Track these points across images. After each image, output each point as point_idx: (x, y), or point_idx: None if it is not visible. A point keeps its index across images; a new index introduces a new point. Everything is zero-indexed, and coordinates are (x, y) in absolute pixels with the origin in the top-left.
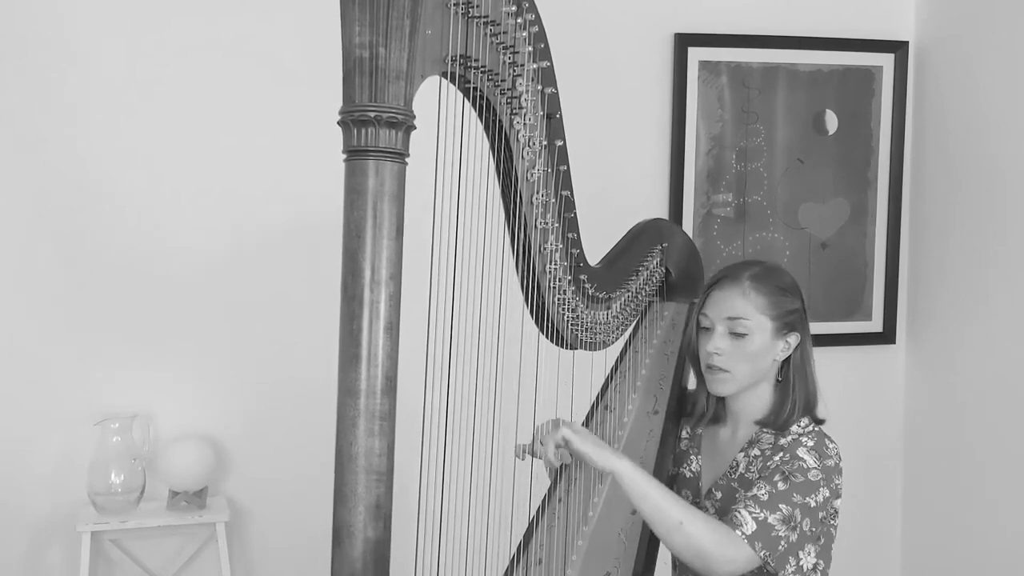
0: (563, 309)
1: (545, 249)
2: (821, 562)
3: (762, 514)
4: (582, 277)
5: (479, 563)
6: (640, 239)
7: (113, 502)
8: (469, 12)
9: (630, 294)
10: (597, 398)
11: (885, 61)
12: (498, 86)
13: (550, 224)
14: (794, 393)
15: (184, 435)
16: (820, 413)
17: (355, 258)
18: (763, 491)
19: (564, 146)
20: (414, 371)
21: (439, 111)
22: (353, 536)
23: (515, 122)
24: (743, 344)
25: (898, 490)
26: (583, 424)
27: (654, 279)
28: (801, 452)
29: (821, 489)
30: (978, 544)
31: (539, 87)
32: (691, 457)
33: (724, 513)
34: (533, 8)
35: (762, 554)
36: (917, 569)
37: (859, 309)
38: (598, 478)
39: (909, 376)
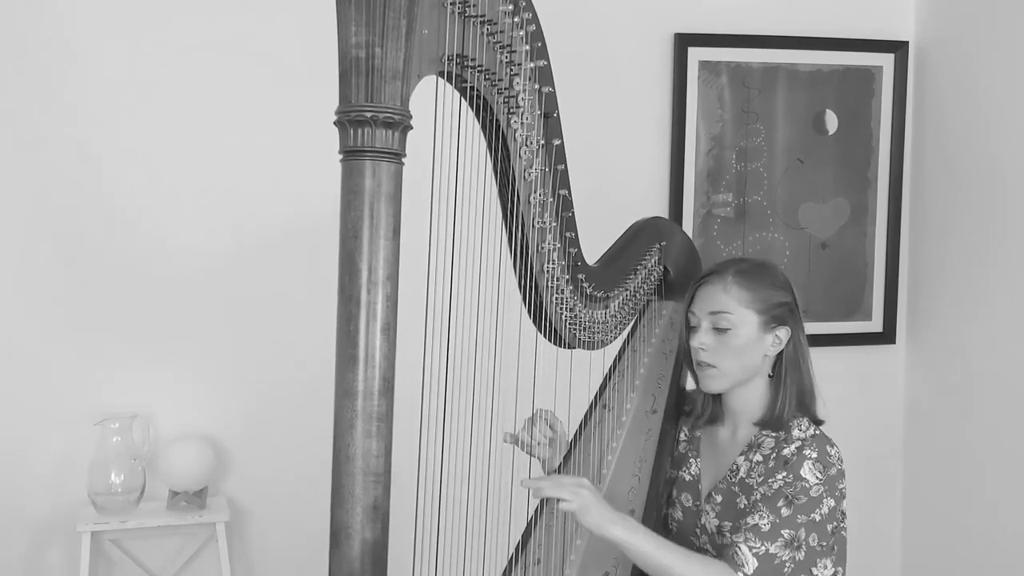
0: (561, 308)
1: (543, 248)
2: (839, 569)
3: (763, 547)
4: (580, 276)
5: (477, 563)
6: (639, 238)
7: (113, 502)
8: (466, 11)
9: (628, 293)
10: (595, 397)
11: (885, 61)
12: (495, 85)
13: (548, 223)
14: (786, 387)
15: (184, 435)
16: (819, 412)
17: (352, 259)
18: (765, 520)
19: (562, 145)
20: (412, 372)
21: (436, 111)
22: (351, 537)
23: (512, 121)
24: (727, 338)
25: (898, 490)
26: (579, 426)
27: (652, 278)
28: (804, 471)
29: (826, 500)
30: (978, 544)
31: (536, 86)
32: (690, 460)
33: (726, 518)
34: (530, 7)
35: None
36: (917, 569)
37: (859, 309)
38: (595, 478)
39: (909, 376)
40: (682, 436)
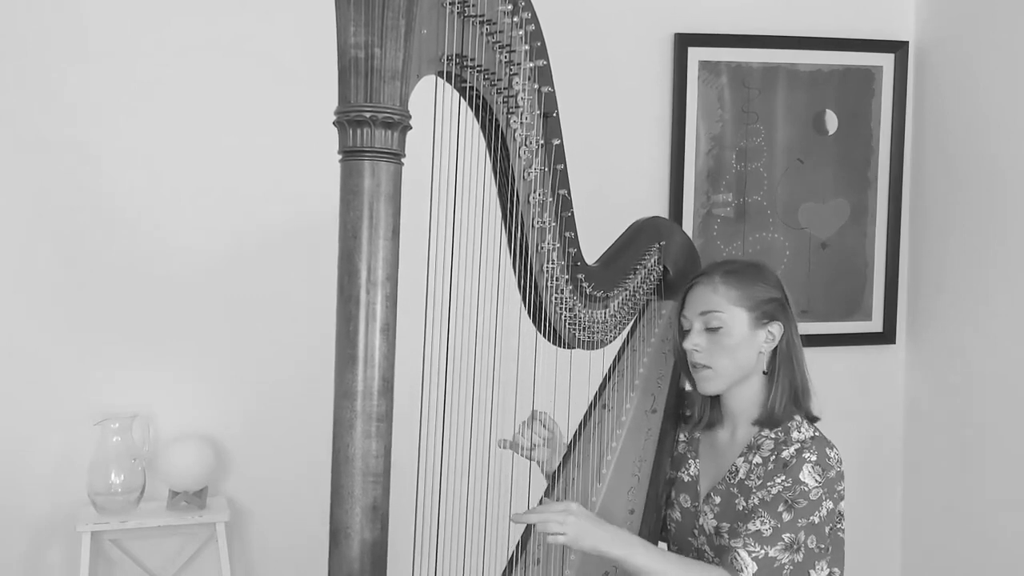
0: (561, 308)
1: (542, 248)
2: (836, 570)
3: (762, 551)
4: (580, 276)
5: (477, 563)
6: (638, 237)
7: (113, 502)
8: (465, 11)
9: (628, 293)
10: (595, 397)
11: (885, 61)
12: (494, 85)
13: (547, 223)
14: (779, 383)
15: (184, 435)
16: (813, 409)
17: (351, 259)
18: (766, 525)
19: (561, 144)
20: (411, 372)
21: (435, 111)
22: (350, 537)
23: (512, 121)
24: (719, 338)
25: (898, 490)
26: (579, 426)
27: (652, 277)
28: (804, 475)
29: (824, 503)
30: (978, 544)
31: (535, 86)
32: (689, 461)
33: (724, 519)
34: (529, 7)
35: None
36: (917, 569)
37: (859, 309)
38: (595, 478)
39: (909, 376)
40: (681, 437)
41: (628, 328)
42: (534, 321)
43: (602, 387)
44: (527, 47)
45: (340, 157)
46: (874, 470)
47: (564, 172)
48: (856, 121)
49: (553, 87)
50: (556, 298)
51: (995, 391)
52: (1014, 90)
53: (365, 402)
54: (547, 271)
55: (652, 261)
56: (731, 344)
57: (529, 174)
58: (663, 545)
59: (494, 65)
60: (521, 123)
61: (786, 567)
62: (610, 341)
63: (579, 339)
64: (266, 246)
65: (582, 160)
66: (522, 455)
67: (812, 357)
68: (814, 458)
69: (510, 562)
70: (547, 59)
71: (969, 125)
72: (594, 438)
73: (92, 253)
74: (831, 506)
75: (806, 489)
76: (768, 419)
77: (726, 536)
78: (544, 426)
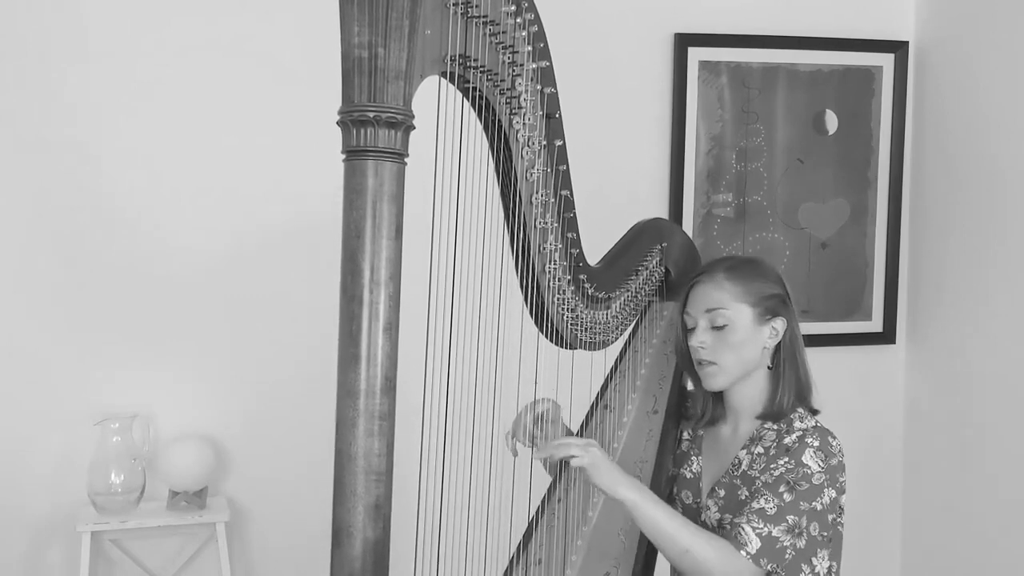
0: (563, 309)
1: (544, 249)
2: (835, 563)
3: (766, 528)
4: (582, 277)
5: (479, 563)
6: (640, 239)
7: (113, 502)
8: (468, 12)
9: (630, 294)
10: (597, 398)
11: (885, 61)
12: (497, 86)
13: (549, 224)
14: (785, 378)
15: (184, 435)
16: (814, 403)
17: (354, 258)
18: (770, 504)
19: (563, 146)
20: (413, 371)
21: (438, 111)
22: (352, 536)
23: (514, 122)
24: (725, 335)
25: (898, 490)
26: (581, 427)
27: (654, 278)
28: (806, 458)
29: (827, 490)
30: (978, 544)
31: (538, 87)
32: (692, 458)
33: (728, 511)
34: (532, 8)
35: (768, 568)
36: (917, 569)
37: (859, 309)
38: None
39: (909, 376)
40: (684, 435)
41: (630, 329)
42: (536, 321)
43: (604, 388)
44: (530, 48)
45: (343, 157)
46: (874, 470)
47: (567, 173)
48: (856, 121)
49: (556, 88)
50: (558, 299)
51: (995, 391)
52: (1014, 90)
53: (368, 401)
54: (549, 272)
55: (654, 262)
56: (736, 340)
57: (532, 175)
58: None
59: (497, 66)
60: (524, 124)
61: (788, 550)
62: (612, 342)
63: (581, 340)
64: (266, 246)
65: (582, 160)
66: (526, 444)
67: (812, 357)
68: (816, 443)
69: (511, 562)
70: (550, 60)
71: (969, 125)
72: (596, 438)
73: (92, 253)
74: (833, 495)
75: (808, 472)
76: (773, 414)
77: (729, 528)
78: (544, 415)
